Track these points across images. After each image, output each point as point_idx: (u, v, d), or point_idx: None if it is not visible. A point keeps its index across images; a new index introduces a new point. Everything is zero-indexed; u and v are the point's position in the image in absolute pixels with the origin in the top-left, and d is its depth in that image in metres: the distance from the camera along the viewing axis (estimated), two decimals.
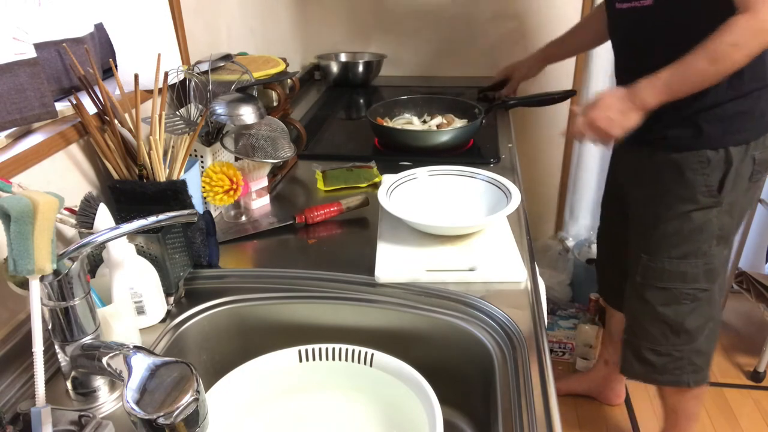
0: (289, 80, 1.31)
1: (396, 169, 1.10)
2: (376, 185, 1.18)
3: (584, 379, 1.90)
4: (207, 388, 0.69)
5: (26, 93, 0.74)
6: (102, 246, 0.70)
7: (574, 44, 1.56)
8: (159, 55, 0.90)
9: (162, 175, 0.84)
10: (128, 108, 0.86)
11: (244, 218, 1.05)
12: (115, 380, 0.64)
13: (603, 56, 2.04)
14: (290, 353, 0.75)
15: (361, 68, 1.96)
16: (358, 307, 0.83)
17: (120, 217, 0.82)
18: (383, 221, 0.99)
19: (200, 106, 1.03)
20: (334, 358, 0.75)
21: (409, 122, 1.48)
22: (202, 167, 0.99)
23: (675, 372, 1.38)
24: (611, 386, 1.84)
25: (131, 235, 0.76)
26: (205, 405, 0.51)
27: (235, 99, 0.97)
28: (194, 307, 0.82)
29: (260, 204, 1.10)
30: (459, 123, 1.44)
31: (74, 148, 0.83)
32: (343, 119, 1.67)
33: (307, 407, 0.76)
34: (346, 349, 0.75)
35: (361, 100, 1.86)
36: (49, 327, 0.61)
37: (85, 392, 0.65)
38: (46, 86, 0.76)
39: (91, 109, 0.83)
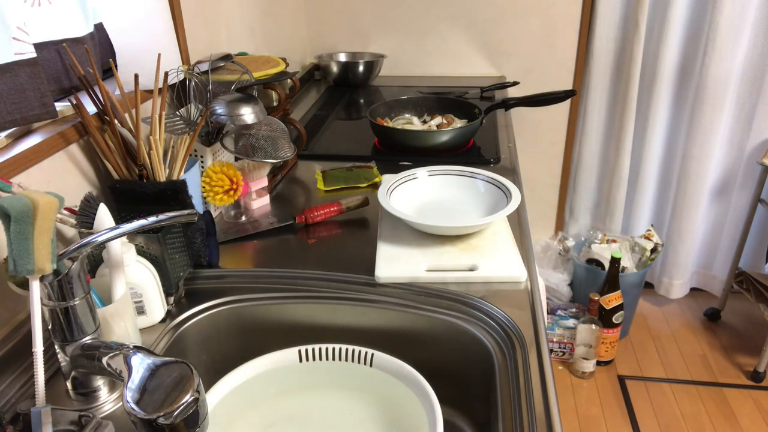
0: (289, 80, 1.31)
1: (396, 169, 1.10)
2: (376, 185, 1.18)
3: None
4: (207, 388, 0.69)
5: (26, 93, 0.74)
6: (102, 246, 0.70)
7: None
8: (159, 55, 0.90)
9: (162, 175, 0.84)
10: (128, 108, 0.86)
11: (244, 218, 1.05)
12: (115, 380, 0.64)
13: (603, 56, 2.04)
14: (290, 353, 0.75)
15: (361, 68, 1.96)
16: (358, 307, 0.83)
17: (120, 217, 0.82)
18: (383, 221, 0.99)
19: (200, 106, 1.03)
20: (334, 358, 0.75)
21: (409, 122, 1.48)
22: (202, 167, 0.99)
23: None
24: None
25: (131, 235, 0.76)
26: (205, 405, 0.51)
27: (235, 99, 0.97)
28: (194, 307, 0.82)
29: (260, 204, 1.10)
30: (459, 123, 1.44)
31: (74, 148, 0.83)
32: (343, 119, 1.67)
33: (307, 407, 0.76)
34: (346, 349, 0.75)
35: (361, 100, 1.86)
36: (49, 327, 0.61)
37: (85, 392, 0.65)
38: (46, 86, 0.76)
39: (91, 109, 0.83)
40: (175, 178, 0.86)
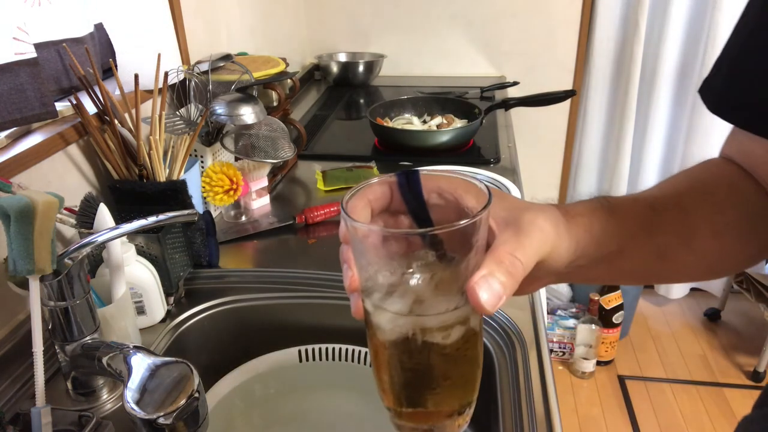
0: (289, 80, 1.31)
1: (396, 169, 1.10)
2: None
3: None
4: (207, 388, 0.69)
5: (26, 93, 0.74)
6: (102, 246, 0.69)
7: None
8: (159, 55, 0.90)
9: (162, 175, 0.84)
10: (128, 108, 0.86)
11: (244, 218, 1.05)
12: (115, 380, 0.64)
13: (603, 56, 2.04)
14: (290, 353, 0.75)
15: (361, 68, 1.96)
16: None
17: (120, 217, 0.82)
18: None
19: (200, 106, 1.03)
20: (334, 358, 0.75)
21: (409, 122, 1.48)
22: (202, 167, 0.99)
23: None
24: None
25: (131, 235, 0.76)
26: (205, 405, 0.51)
27: (235, 99, 0.97)
28: (194, 307, 0.82)
29: (260, 204, 1.10)
30: (459, 123, 1.44)
31: (74, 148, 0.83)
32: (343, 119, 1.67)
33: (307, 407, 0.76)
34: (346, 349, 0.75)
35: (361, 100, 1.86)
36: (49, 327, 0.61)
37: (85, 392, 0.65)
38: (46, 86, 0.76)
39: (91, 109, 0.83)
40: (175, 178, 0.85)
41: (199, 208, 0.97)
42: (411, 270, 0.32)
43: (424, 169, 0.34)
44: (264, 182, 1.08)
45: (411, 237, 0.32)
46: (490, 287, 0.30)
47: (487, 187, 0.32)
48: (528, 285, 0.37)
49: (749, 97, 0.42)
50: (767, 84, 0.40)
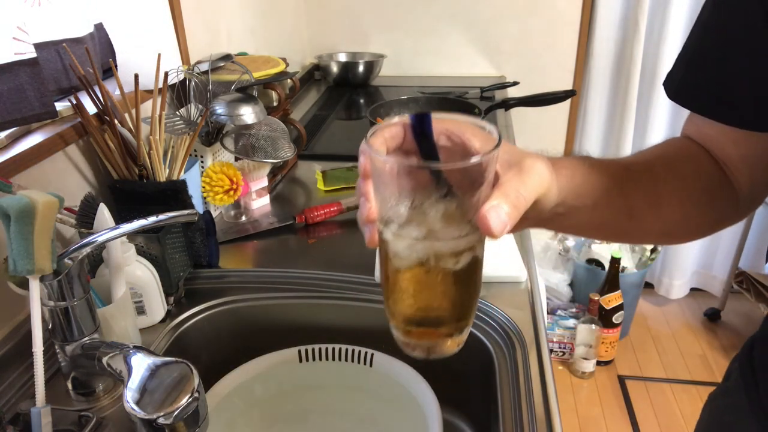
0: (289, 80, 1.31)
1: None
2: None
3: None
4: (207, 388, 0.69)
5: (26, 93, 0.74)
6: (102, 246, 0.69)
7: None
8: (159, 55, 0.90)
9: (162, 175, 0.84)
10: (128, 108, 0.86)
11: (244, 218, 1.05)
12: (115, 380, 0.64)
13: (603, 56, 2.04)
14: (290, 353, 0.75)
15: (361, 68, 1.96)
16: (358, 307, 0.83)
17: (120, 217, 0.82)
18: None
19: (200, 106, 1.03)
20: (334, 358, 0.75)
21: None
22: (202, 167, 0.99)
23: None
24: None
25: (131, 235, 0.76)
26: (205, 405, 0.51)
27: (235, 99, 0.97)
28: (194, 307, 0.82)
29: (260, 204, 1.10)
30: None
31: (74, 149, 0.83)
32: (343, 119, 1.67)
33: (307, 407, 0.76)
34: (346, 349, 0.75)
35: (361, 100, 1.86)
36: (49, 327, 0.61)
37: (85, 392, 0.65)
38: (46, 86, 0.76)
39: (91, 109, 0.83)
40: (175, 178, 0.86)
41: (199, 208, 0.97)
42: (429, 200, 0.36)
43: (436, 114, 0.37)
44: (264, 182, 1.08)
45: (431, 170, 0.35)
46: (498, 215, 0.35)
47: (497, 130, 0.36)
48: (516, 225, 0.42)
49: (702, 86, 0.50)
50: (716, 75, 0.47)
